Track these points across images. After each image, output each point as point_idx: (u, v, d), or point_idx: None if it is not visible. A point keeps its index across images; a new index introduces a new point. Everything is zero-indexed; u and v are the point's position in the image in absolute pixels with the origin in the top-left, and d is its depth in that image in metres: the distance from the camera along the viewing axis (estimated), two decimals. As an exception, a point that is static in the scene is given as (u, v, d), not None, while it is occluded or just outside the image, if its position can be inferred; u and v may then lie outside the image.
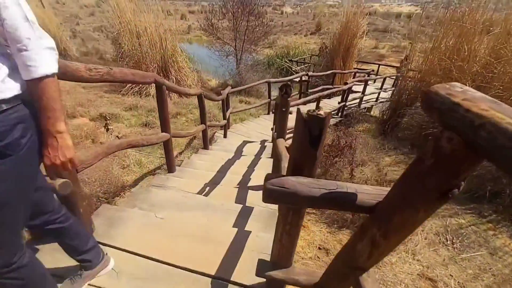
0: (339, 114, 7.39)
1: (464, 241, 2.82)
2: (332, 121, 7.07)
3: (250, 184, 3.27)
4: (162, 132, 2.99)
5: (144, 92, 8.11)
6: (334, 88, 8.15)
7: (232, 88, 6.51)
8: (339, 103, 7.27)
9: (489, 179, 3.66)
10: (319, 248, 2.60)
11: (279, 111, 2.78)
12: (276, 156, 3.24)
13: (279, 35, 25.88)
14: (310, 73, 8.08)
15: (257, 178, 3.46)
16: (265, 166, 4.11)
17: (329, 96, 9.32)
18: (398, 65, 14.49)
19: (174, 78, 8.43)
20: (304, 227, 2.91)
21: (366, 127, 6.53)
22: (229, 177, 3.44)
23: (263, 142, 5.75)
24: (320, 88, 7.70)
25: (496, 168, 2.07)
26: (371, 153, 4.75)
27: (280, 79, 8.38)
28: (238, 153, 4.81)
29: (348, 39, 9.90)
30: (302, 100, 5.19)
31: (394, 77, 10.72)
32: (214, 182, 3.22)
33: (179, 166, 3.70)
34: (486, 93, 3.31)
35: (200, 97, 4.25)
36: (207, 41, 14.41)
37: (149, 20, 7.97)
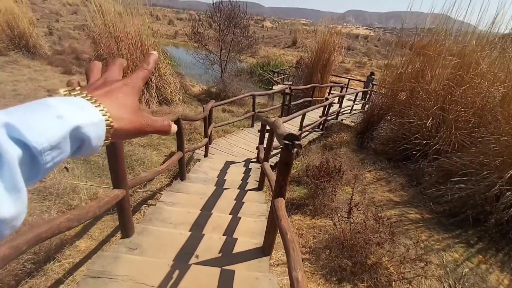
0: (320, 127, 6.86)
1: (465, 285, 2.30)
2: (315, 134, 6.52)
3: (236, 250, 2.21)
4: (114, 188, 1.94)
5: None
6: (316, 102, 7.69)
7: (215, 97, 5.73)
8: (320, 117, 6.74)
9: (470, 204, 3.25)
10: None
11: (280, 166, 1.98)
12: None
13: (260, 46, 25.18)
14: (293, 87, 7.47)
15: (244, 235, 2.45)
16: (252, 208, 3.01)
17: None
18: (362, 78, 14.43)
19: (154, 85, 7.08)
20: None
21: (343, 138, 6.02)
22: (207, 241, 2.23)
23: (247, 162, 4.80)
24: (301, 100, 7.18)
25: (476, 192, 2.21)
26: (354, 170, 4.21)
27: (264, 92, 7.68)
28: (220, 184, 3.63)
29: (326, 55, 9.47)
30: (289, 117, 4.60)
31: (363, 91, 10.54)
32: (186, 252, 2.08)
33: (141, 220, 2.53)
34: (446, 112, 3.09)
35: (177, 123, 3.05)
36: (194, 47, 12.92)
37: (133, 23, 6.64)
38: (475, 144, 3.90)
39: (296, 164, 4.72)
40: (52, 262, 2.14)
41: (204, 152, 4.75)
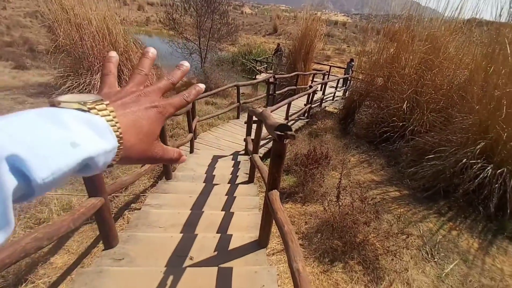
0: (306, 115, 6.97)
1: (440, 252, 2.58)
2: (301, 123, 6.64)
3: (232, 246, 2.12)
4: (91, 196, 1.72)
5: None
6: (300, 90, 7.73)
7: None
8: (305, 105, 6.84)
9: (441, 178, 3.50)
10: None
11: (273, 158, 1.91)
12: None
13: (240, 33, 24.36)
14: (277, 76, 7.44)
15: (239, 230, 2.35)
16: (244, 202, 2.93)
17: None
18: (342, 65, 14.52)
19: (127, 78, 5.86)
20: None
21: (328, 125, 6.19)
22: (201, 240, 2.10)
23: (235, 155, 4.61)
24: (286, 89, 7.16)
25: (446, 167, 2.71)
26: (339, 155, 4.40)
27: (248, 82, 7.51)
28: (209, 180, 3.44)
29: (308, 43, 9.39)
30: (275, 107, 4.62)
31: (344, 78, 10.64)
32: (179, 255, 1.94)
33: (125, 228, 2.33)
34: (419, 95, 3.32)
35: None
36: (169, 36, 11.69)
37: (97, 9, 5.76)
38: (444, 123, 4.14)
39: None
40: (24, 284, 1.84)
41: (189, 148, 4.46)
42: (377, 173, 4.15)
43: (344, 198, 3.13)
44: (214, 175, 3.64)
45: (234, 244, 2.13)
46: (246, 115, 4.51)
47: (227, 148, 4.99)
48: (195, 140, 4.77)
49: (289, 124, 6.11)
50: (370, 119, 5.60)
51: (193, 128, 4.43)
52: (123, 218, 2.66)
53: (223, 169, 3.97)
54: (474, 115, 3.58)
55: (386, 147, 4.83)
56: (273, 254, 2.42)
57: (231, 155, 4.67)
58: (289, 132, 1.68)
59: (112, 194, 2.76)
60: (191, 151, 4.49)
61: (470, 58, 4.45)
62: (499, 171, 3.06)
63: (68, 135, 0.23)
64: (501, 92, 3.27)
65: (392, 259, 2.36)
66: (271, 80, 7.03)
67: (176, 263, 1.87)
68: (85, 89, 5.87)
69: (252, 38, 24.44)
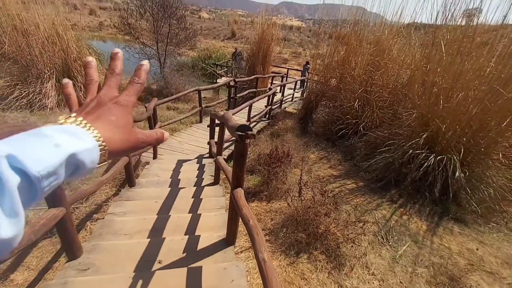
0: (267, 116, 7.08)
1: (394, 235, 2.75)
2: (263, 124, 6.71)
3: (200, 246, 2.15)
4: (51, 207, 1.64)
5: (38, 104, 5.44)
6: (260, 92, 7.85)
7: (157, 94, 5.43)
8: (265, 106, 6.94)
9: (391, 169, 3.79)
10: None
11: (236, 158, 1.98)
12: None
13: (199, 38, 24.21)
14: (237, 79, 7.49)
15: (206, 230, 2.39)
16: (211, 203, 2.97)
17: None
18: (299, 68, 15.16)
19: (81, 86, 5.86)
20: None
21: (288, 125, 6.36)
22: (169, 244, 2.12)
23: (200, 158, 4.66)
24: (246, 92, 7.27)
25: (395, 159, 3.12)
26: (300, 153, 4.53)
27: (210, 86, 7.46)
28: (175, 185, 3.46)
29: (265, 46, 9.63)
30: (237, 109, 4.63)
31: (301, 79, 11.10)
32: (147, 260, 1.93)
33: (89, 238, 2.25)
34: (369, 94, 3.45)
35: None
36: (125, 41, 11.36)
37: (44, 13, 5.56)
38: (392, 119, 4.52)
39: (248, 154, 4.86)
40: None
41: (152, 154, 4.47)
42: (336, 168, 4.35)
43: (306, 193, 3.23)
44: (180, 179, 3.65)
45: (202, 244, 2.18)
46: (208, 118, 4.50)
47: (191, 152, 4.98)
48: (158, 146, 4.68)
49: (251, 125, 6.18)
50: (326, 117, 5.88)
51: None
52: (85, 229, 2.57)
53: (188, 173, 3.99)
54: (416, 110, 3.96)
55: (342, 143, 5.10)
56: (241, 251, 2.43)
57: (195, 158, 4.65)
58: (250, 132, 1.74)
59: (73, 206, 2.73)
60: (154, 157, 4.46)
61: (411, 59, 4.94)
62: (439, 157, 3.40)
63: (50, 140, 0.28)
64: (438, 89, 3.66)
65: (352, 246, 2.47)
66: (232, 83, 7.06)
67: (144, 268, 1.87)
68: (36, 98, 5.53)
69: (211, 42, 24.40)
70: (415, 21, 4.93)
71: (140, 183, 3.37)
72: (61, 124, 0.33)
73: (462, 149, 3.27)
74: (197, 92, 6.26)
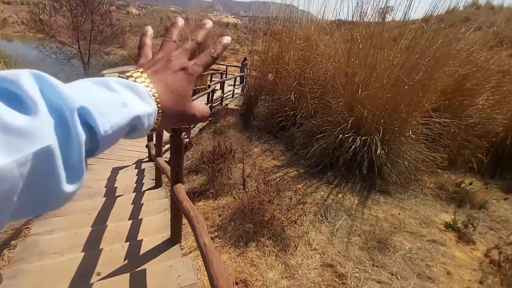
0: (207, 114, 6.97)
1: (331, 212, 3.04)
2: (205, 122, 6.58)
3: (143, 251, 2.08)
4: None
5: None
6: (200, 90, 7.66)
7: None
8: (206, 104, 6.83)
9: (326, 153, 4.16)
10: (236, 283, 2.10)
11: (172, 153, 2.00)
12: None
13: (129, 36, 22.40)
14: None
15: (149, 234, 2.28)
16: (153, 206, 2.86)
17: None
18: (238, 64, 15.32)
19: None
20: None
21: (230, 121, 6.40)
22: (107, 254, 1.98)
23: (138, 163, 4.45)
24: None
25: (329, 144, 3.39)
26: (243, 147, 4.62)
27: None
28: (111, 194, 3.24)
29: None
30: None
31: (240, 76, 11.22)
32: (83, 275, 1.77)
33: (9, 265, 1.98)
34: (302, 86, 3.81)
35: None
36: (38, 39, 9.91)
37: None
38: (324, 108, 4.94)
39: (191, 154, 4.76)
40: None
41: None
42: (278, 158, 4.56)
43: (251, 185, 3.32)
44: (116, 187, 3.45)
45: (145, 248, 2.12)
46: None
47: (128, 158, 4.74)
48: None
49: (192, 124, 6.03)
50: (267, 111, 6.11)
51: None
52: (3, 259, 2.23)
53: (126, 179, 3.81)
54: (342, 98, 4.40)
55: (283, 135, 5.37)
56: (190, 252, 2.40)
57: (133, 164, 4.41)
58: (183, 127, 1.68)
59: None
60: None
61: (335, 53, 5.45)
62: (364, 138, 3.86)
63: (118, 97, 0.27)
64: (358, 79, 4.12)
65: (295, 227, 2.65)
66: None
67: (80, 284, 1.74)
68: None
69: (143, 40, 22.85)
70: (337, 18, 5.44)
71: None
72: (127, 77, 0.31)
73: (381, 130, 3.77)
74: None
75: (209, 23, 0.42)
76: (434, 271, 2.49)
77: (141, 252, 2.07)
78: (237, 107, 7.81)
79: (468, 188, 3.73)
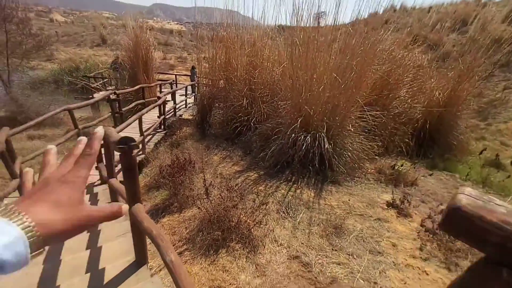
0: (162, 127, 6.79)
1: (292, 208, 3.29)
2: (160, 135, 6.41)
3: (108, 278, 1.99)
4: None
5: None
6: (150, 103, 7.39)
7: (9, 122, 4.33)
8: (158, 117, 6.65)
9: (282, 153, 4.43)
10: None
11: (125, 173, 1.90)
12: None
13: (57, 46, 20.18)
14: (119, 91, 6.76)
15: (112, 260, 2.22)
16: (113, 231, 2.75)
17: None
18: (187, 73, 15.05)
19: None
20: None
21: (187, 132, 6.35)
22: None
23: (90, 187, 4.15)
24: (134, 104, 6.68)
25: (283, 144, 3.89)
26: (203, 157, 4.66)
27: (84, 103, 6.28)
28: None
29: (143, 53, 9.07)
30: (124, 125, 4.27)
31: (191, 84, 11.09)
32: None
33: None
34: (253, 91, 4.21)
35: None
36: None
37: None
38: (275, 110, 5.22)
39: (149, 170, 4.65)
40: None
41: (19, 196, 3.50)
42: (238, 163, 4.71)
43: (215, 194, 3.41)
44: None
45: (109, 276, 2.04)
46: None
47: None
48: (24, 186, 3.65)
49: (146, 140, 5.85)
50: (222, 118, 6.21)
51: (18, 172, 3.49)
52: None
53: None
54: (290, 100, 4.72)
55: (240, 140, 5.54)
56: (160, 270, 2.43)
57: (84, 189, 3.95)
58: (132, 143, 1.72)
59: None
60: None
61: (279, 57, 5.78)
62: (314, 135, 4.21)
63: None
64: (301, 81, 4.47)
65: (261, 227, 2.83)
66: (113, 96, 6.34)
67: None
68: None
69: (76, 51, 20.92)
70: (277, 23, 5.77)
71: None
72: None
73: (325, 126, 4.16)
74: (67, 111, 5.23)
75: (100, 131, 0.43)
76: (382, 246, 2.89)
77: (105, 281, 2.00)
78: (191, 116, 7.75)
79: (400, 169, 4.34)
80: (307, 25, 4.76)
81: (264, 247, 2.60)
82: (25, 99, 7.42)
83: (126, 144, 1.69)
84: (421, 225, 3.32)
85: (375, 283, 2.34)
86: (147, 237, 2.05)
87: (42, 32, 9.53)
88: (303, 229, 2.96)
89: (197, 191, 3.69)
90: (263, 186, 3.85)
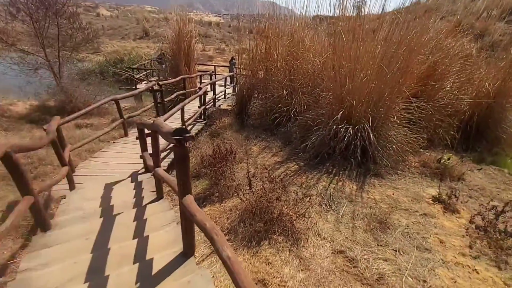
0: (202, 117, 7.08)
1: (334, 200, 3.29)
2: (200, 125, 6.71)
3: (155, 270, 1.97)
4: None
5: None
6: (190, 93, 7.74)
7: (58, 112, 4.57)
8: (199, 107, 6.94)
9: (323, 145, 4.37)
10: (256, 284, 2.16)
11: (178, 164, 1.88)
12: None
13: (103, 39, 21.14)
14: (162, 82, 7.12)
15: (159, 250, 2.20)
16: (159, 220, 2.74)
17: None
18: (226, 64, 15.30)
19: None
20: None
21: (226, 122, 6.55)
22: (115, 279, 1.90)
23: (134, 176, 4.16)
24: (175, 95, 6.99)
25: (324, 136, 3.84)
26: (243, 147, 4.80)
27: (129, 93, 6.41)
28: (108, 213, 2.99)
29: (185, 45, 9.42)
30: (167, 115, 4.46)
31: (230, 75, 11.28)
32: None
33: None
34: (293, 82, 4.34)
35: (8, 160, 2.13)
36: None
37: None
38: (316, 101, 5.14)
39: (190, 159, 4.89)
40: None
41: (68, 184, 3.66)
42: (278, 154, 4.77)
43: (256, 184, 3.51)
44: (113, 205, 3.19)
45: (157, 266, 2.02)
46: (135, 130, 4.14)
47: (121, 171, 4.39)
48: (74, 174, 4.03)
49: (187, 129, 6.11)
50: (261, 109, 6.29)
51: (67, 159, 3.62)
52: None
53: (123, 195, 3.52)
54: (331, 91, 4.61)
55: (279, 131, 5.58)
56: (203, 260, 2.49)
57: (128, 177, 4.17)
58: (187, 135, 1.72)
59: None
60: (72, 188, 3.70)
61: (321, 47, 5.62)
62: (356, 127, 4.09)
63: None
64: (344, 71, 4.32)
65: (304, 220, 2.88)
66: (156, 87, 6.67)
67: None
68: None
69: (120, 44, 22.20)
70: (319, 13, 5.59)
71: (58, 223, 2.78)
72: None
73: (370, 118, 4.01)
74: (113, 102, 5.49)
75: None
76: (429, 242, 2.78)
77: (154, 271, 1.97)
78: (230, 107, 7.94)
79: (447, 163, 4.07)
80: (351, 15, 4.56)
81: (307, 240, 2.66)
82: (74, 90, 7.74)
83: (181, 135, 1.70)
84: (470, 222, 3.13)
85: (424, 281, 2.28)
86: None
87: (90, 26, 10.00)
88: (347, 223, 2.95)
89: (238, 182, 3.68)
90: (304, 177, 3.87)
